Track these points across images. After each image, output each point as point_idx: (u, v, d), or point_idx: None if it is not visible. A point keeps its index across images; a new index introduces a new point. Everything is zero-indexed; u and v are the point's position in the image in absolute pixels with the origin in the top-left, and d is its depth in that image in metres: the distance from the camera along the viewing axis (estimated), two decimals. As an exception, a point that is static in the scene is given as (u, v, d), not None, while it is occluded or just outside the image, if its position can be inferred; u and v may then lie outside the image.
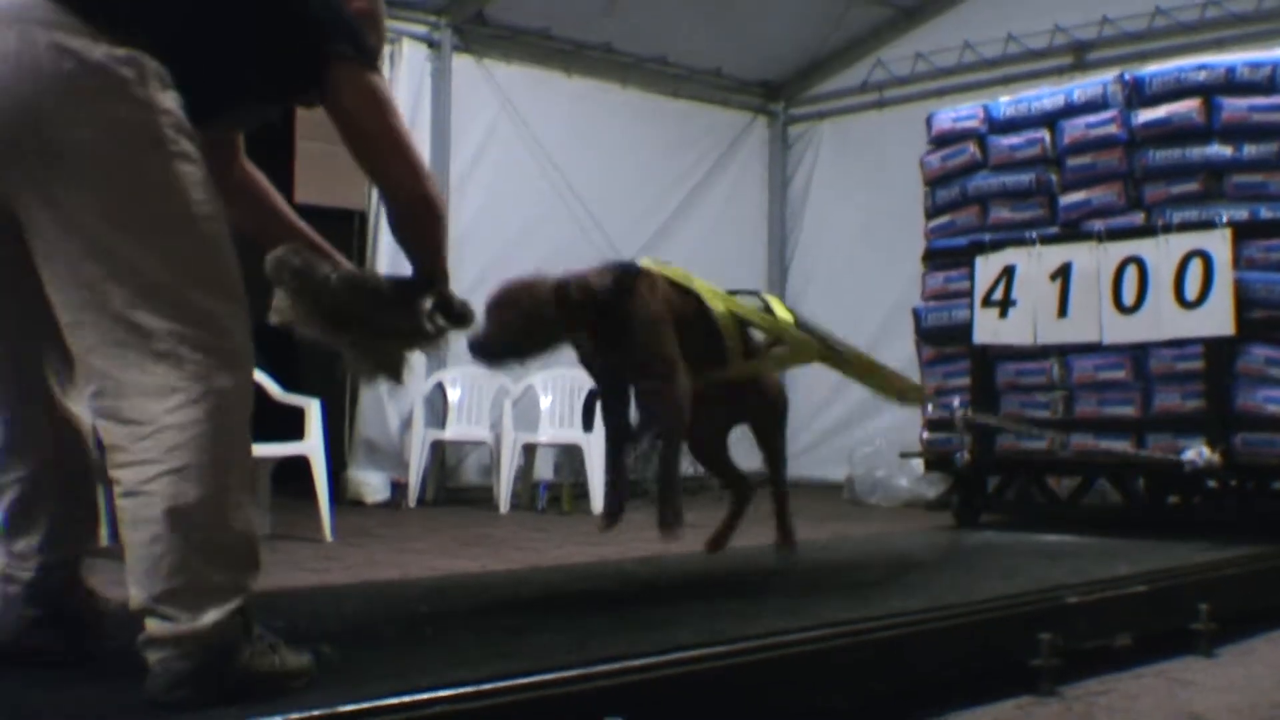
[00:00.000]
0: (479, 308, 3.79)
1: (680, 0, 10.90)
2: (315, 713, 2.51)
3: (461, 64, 10.41)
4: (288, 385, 7.51)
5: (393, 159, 2.83)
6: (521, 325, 3.89)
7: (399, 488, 9.91)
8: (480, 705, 2.70)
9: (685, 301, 4.25)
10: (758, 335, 4.59)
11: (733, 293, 4.50)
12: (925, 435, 7.16)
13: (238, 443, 2.60)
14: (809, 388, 11.92)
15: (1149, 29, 9.83)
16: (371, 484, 9.93)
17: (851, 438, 11.06)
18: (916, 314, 7.28)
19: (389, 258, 9.85)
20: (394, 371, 3.09)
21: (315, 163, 16.16)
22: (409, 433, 9.83)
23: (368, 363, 3.06)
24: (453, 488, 10.32)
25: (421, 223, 2.92)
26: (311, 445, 7.56)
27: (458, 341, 10.41)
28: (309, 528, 7.63)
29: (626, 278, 4.09)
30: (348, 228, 10.21)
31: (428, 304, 3.01)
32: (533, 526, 8.52)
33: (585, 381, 9.64)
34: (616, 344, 4.06)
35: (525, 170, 10.66)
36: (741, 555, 5.08)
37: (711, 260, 11.72)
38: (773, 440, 4.79)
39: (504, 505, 9.42)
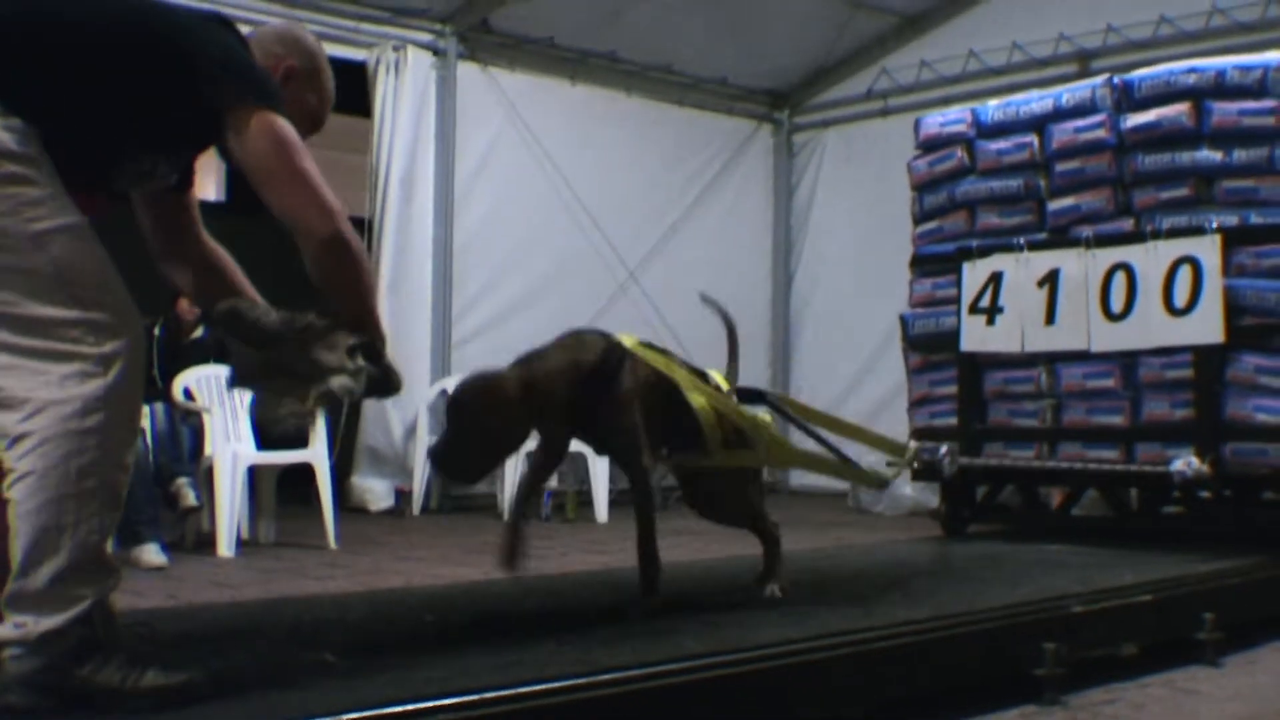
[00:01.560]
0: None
1: (685, 9, 10.89)
2: (319, 721, 2.51)
3: (466, 72, 10.41)
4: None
5: (299, 198, 2.80)
6: (482, 435, 3.61)
7: (403, 495, 9.91)
8: (484, 714, 2.70)
9: (664, 384, 4.01)
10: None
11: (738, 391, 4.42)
12: (912, 444, 7.04)
13: (98, 449, 2.60)
14: (811, 396, 11.93)
15: (1153, 37, 9.82)
16: (375, 491, 9.93)
17: (855, 446, 11.03)
18: (904, 321, 7.22)
19: (392, 264, 9.88)
20: (303, 415, 3.03)
21: (319, 171, 16.28)
22: (413, 440, 9.83)
23: (286, 403, 3.02)
24: (457, 495, 10.31)
25: (336, 264, 2.86)
26: (316, 453, 7.56)
27: (459, 350, 10.34)
28: (313, 535, 7.63)
29: (614, 358, 3.88)
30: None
31: (349, 341, 2.94)
32: (536, 534, 8.48)
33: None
34: (590, 420, 3.87)
35: (530, 178, 10.66)
36: (746, 564, 5.07)
37: (716, 268, 11.74)
38: (747, 506, 4.43)
39: (508, 513, 9.40)
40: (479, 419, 3.59)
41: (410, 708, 2.64)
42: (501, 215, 10.56)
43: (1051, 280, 6.48)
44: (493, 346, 9.88)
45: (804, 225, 12.57)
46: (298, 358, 2.91)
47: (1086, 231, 6.48)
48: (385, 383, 3.05)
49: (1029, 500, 7.29)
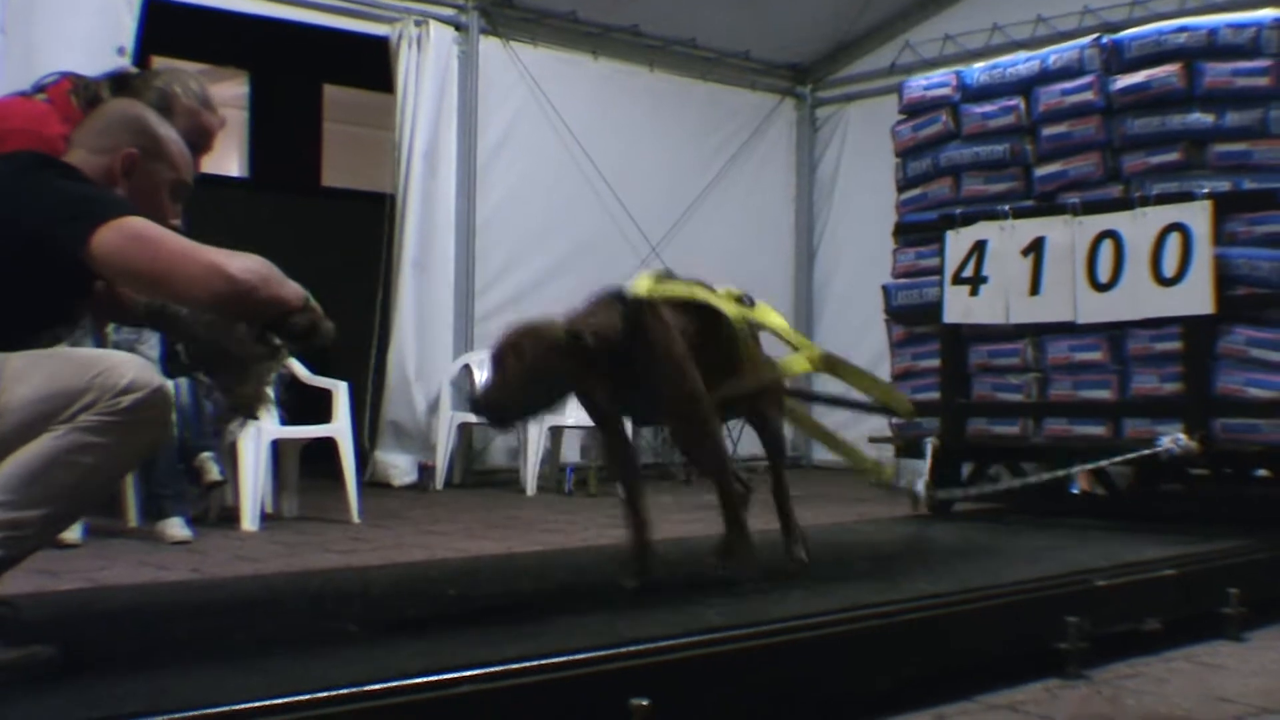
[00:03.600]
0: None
1: (708, -17, 10.89)
2: (343, 691, 2.52)
3: (488, 46, 10.40)
4: (316, 368, 7.55)
5: (184, 281, 2.75)
6: (527, 378, 3.48)
7: (426, 470, 9.92)
8: (506, 685, 2.71)
9: (692, 320, 3.92)
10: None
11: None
12: (894, 419, 6.81)
13: (65, 479, 2.68)
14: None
15: (1180, 9, 9.74)
16: (399, 466, 9.95)
17: (880, 420, 11.01)
18: (886, 292, 7.00)
19: (416, 240, 9.89)
20: (250, 404, 3.07)
21: (343, 147, 16.23)
22: (436, 415, 9.85)
23: (233, 397, 3.07)
24: (479, 470, 10.34)
25: (242, 303, 2.81)
26: (339, 427, 7.58)
27: (482, 325, 10.35)
28: (336, 509, 7.66)
29: (637, 315, 3.74)
30: (377, 211, 10.21)
31: (244, 327, 2.94)
32: (559, 509, 8.53)
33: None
34: (634, 386, 3.74)
35: (552, 153, 10.66)
36: (768, 537, 5.06)
37: (739, 243, 11.75)
38: (772, 425, 4.37)
39: (530, 488, 9.43)
40: (518, 359, 3.49)
41: (433, 678, 2.64)
42: (524, 191, 10.56)
43: (1037, 249, 6.25)
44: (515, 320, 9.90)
45: (827, 200, 12.54)
46: (215, 348, 2.95)
47: (1073, 198, 6.25)
48: (312, 339, 2.98)
49: (1018, 477, 6.84)
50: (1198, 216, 5.78)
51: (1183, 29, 6.14)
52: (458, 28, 10.26)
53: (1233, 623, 4.46)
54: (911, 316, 6.84)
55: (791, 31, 11.85)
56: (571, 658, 2.87)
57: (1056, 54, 6.55)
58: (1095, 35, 6.58)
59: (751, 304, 4.22)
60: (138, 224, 2.75)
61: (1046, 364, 6.30)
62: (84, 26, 8.35)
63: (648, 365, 3.70)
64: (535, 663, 2.80)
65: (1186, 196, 5.85)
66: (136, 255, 2.72)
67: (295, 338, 2.94)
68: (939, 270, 6.62)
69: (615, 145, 10.99)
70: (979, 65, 6.97)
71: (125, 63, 8.36)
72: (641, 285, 3.84)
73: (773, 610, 3.50)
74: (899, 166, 7.13)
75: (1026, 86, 6.57)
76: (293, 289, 2.89)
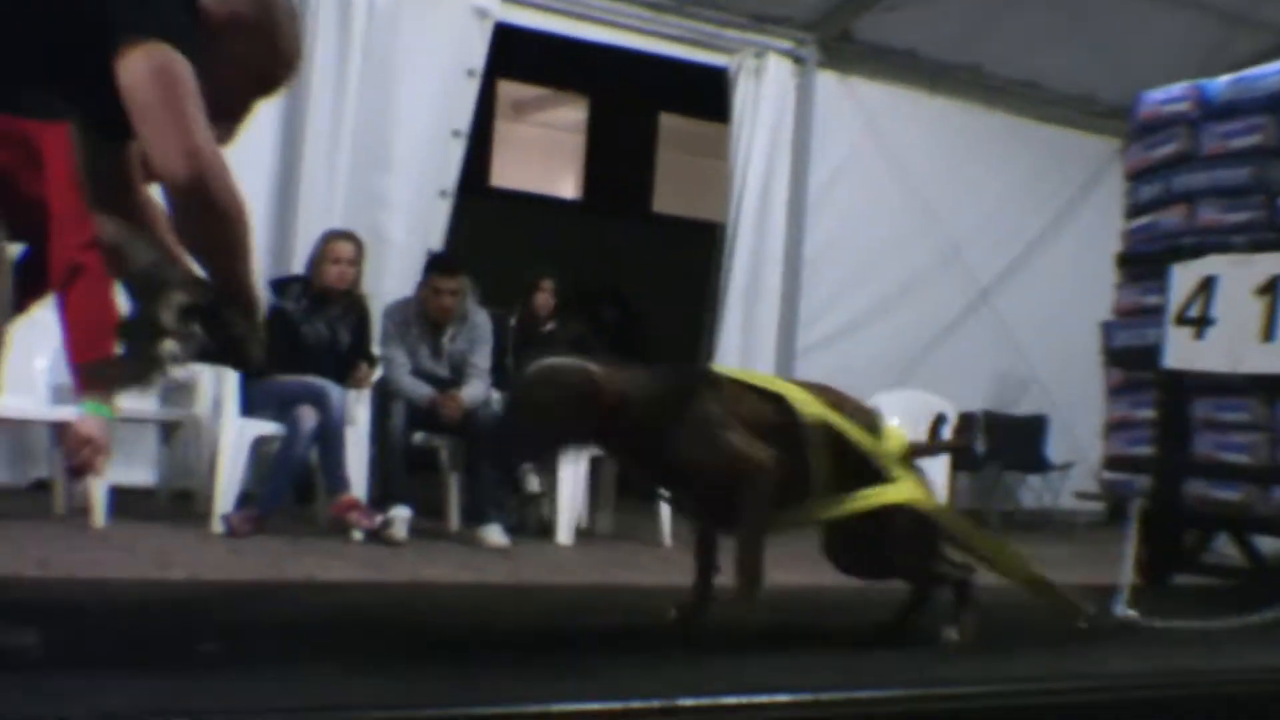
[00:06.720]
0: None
1: (1054, 24, 10.61)
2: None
3: (825, 80, 10.40)
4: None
5: (164, 137, 2.45)
6: (538, 422, 3.34)
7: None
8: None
9: (767, 409, 3.49)
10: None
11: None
12: (1105, 475, 6.05)
13: None
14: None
15: None
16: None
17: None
18: (1105, 330, 6.16)
19: (747, 270, 9.94)
20: (141, 374, 2.71)
21: (675, 174, 16.53)
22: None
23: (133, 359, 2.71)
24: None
25: (193, 216, 2.52)
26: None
27: (803, 359, 10.13)
28: (649, 532, 7.67)
29: (688, 386, 3.43)
30: (707, 239, 10.33)
31: (182, 300, 2.61)
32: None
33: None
34: (666, 463, 3.43)
35: (883, 189, 10.55)
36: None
37: (1071, 294, 11.37)
38: (900, 562, 3.80)
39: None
40: (537, 402, 3.33)
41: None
42: (853, 226, 10.48)
43: (1274, 289, 5.37)
44: (836, 356, 9.86)
45: (1168, 251, 12.07)
46: (151, 311, 2.63)
47: (1323, 232, 5.39)
48: (230, 352, 2.73)
49: (1243, 551, 6.11)
50: None
51: None
52: (796, 60, 10.30)
53: None
54: (1132, 360, 5.96)
55: (1137, 75, 11.45)
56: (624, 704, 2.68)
57: None
58: None
59: (870, 423, 3.65)
60: (182, 68, 2.47)
61: (1279, 423, 5.39)
62: (438, 50, 8.70)
63: (679, 433, 3.35)
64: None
65: None
66: (153, 88, 2.45)
67: (219, 338, 2.66)
68: (1163, 309, 5.77)
69: (949, 184, 10.82)
70: (1224, 78, 6.13)
71: (473, 86, 8.69)
72: (719, 366, 3.53)
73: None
74: (1129, 191, 6.27)
75: (1278, 102, 5.69)
76: (250, 280, 2.66)
